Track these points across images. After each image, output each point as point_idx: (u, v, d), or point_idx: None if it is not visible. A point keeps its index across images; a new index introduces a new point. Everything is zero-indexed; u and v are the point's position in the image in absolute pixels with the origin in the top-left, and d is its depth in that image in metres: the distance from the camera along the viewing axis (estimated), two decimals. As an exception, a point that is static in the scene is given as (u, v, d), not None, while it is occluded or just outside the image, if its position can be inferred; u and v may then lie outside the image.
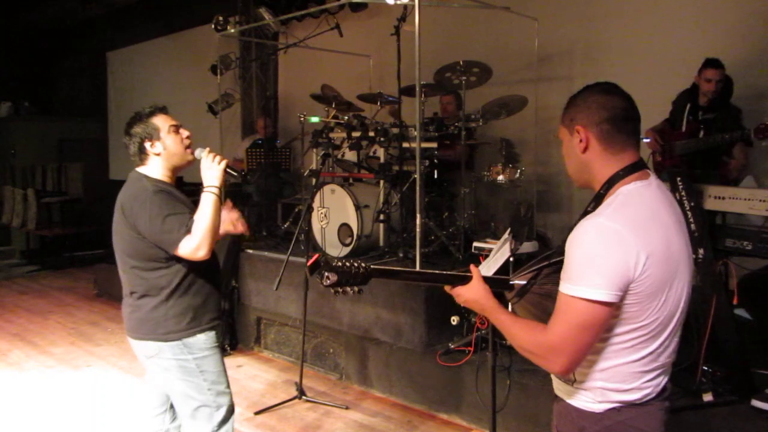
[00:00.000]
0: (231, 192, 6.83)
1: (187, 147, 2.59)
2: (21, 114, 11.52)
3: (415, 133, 4.55)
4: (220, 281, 2.81)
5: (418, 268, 4.26)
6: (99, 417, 4.13)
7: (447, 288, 1.79)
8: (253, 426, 4.00)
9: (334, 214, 5.13)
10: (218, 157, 2.52)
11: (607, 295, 1.45)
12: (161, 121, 2.55)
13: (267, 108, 8.32)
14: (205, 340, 2.58)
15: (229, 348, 5.33)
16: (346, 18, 6.90)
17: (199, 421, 2.60)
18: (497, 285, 1.82)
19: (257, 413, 4.14)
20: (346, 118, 5.37)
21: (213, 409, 2.60)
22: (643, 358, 1.54)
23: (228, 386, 2.67)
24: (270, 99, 8.48)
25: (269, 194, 6.75)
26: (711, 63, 4.33)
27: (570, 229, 1.58)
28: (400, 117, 4.98)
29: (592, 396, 1.59)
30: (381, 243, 5.16)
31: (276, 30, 7.76)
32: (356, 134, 5.19)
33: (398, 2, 4.89)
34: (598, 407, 1.59)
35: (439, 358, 4.09)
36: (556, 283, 1.59)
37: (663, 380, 1.62)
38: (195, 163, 2.61)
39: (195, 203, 2.51)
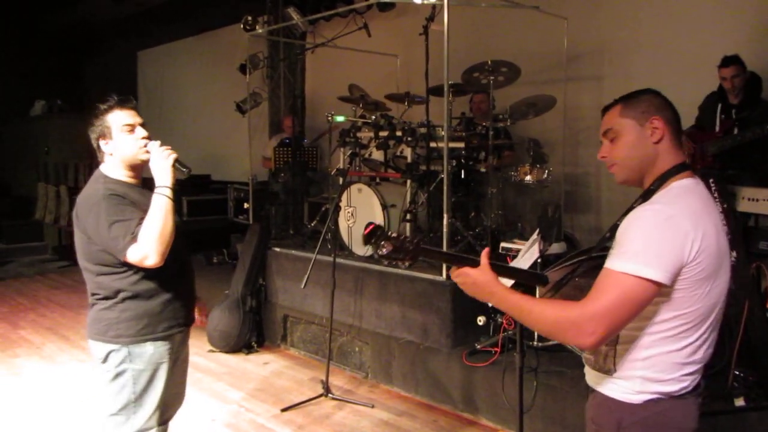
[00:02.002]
0: (259, 191, 6.91)
1: (143, 147, 2.39)
2: (54, 112, 11.74)
3: (443, 133, 4.55)
4: (191, 286, 2.65)
5: (444, 269, 4.27)
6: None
7: (453, 269, 1.76)
8: (280, 423, 4.03)
9: (360, 213, 5.15)
10: (167, 151, 2.35)
11: (660, 275, 1.47)
12: (115, 119, 2.39)
13: (294, 107, 8.38)
14: (152, 353, 2.41)
15: (255, 345, 5.39)
16: (374, 18, 6.92)
17: (108, 426, 2.45)
18: (531, 279, 1.82)
19: (284, 410, 4.18)
20: (374, 117, 5.38)
21: (122, 424, 2.43)
22: (684, 348, 1.57)
23: (154, 414, 2.45)
24: (297, 98, 8.54)
25: (296, 193, 6.80)
26: (723, 61, 4.30)
27: (612, 226, 1.61)
28: (428, 116, 4.98)
29: (631, 386, 1.61)
30: (408, 242, 5.16)
31: (304, 30, 7.80)
32: (383, 134, 5.20)
33: (426, 2, 4.90)
34: (637, 398, 1.60)
35: (466, 358, 4.09)
36: (594, 277, 1.60)
37: (699, 376, 1.64)
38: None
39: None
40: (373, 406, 4.23)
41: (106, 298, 2.39)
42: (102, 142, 2.42)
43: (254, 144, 7.35)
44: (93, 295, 2.44)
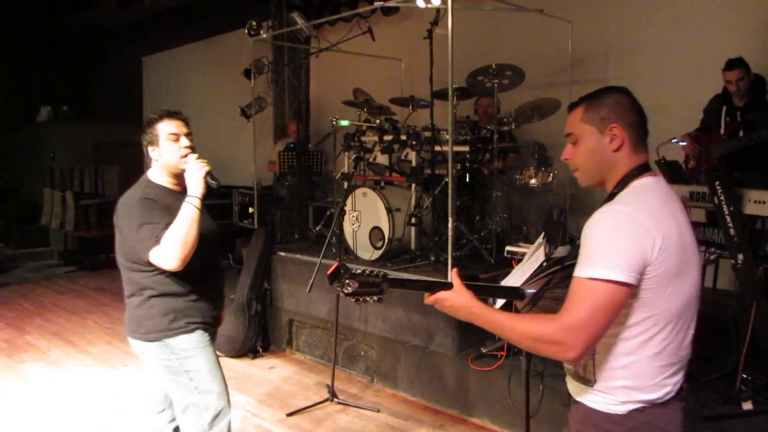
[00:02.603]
0: (264, 196, 6.92)
1: (184, 156, 2.56)
2: (60, 118, 11.80)
3: (447, 137, 4.55)
4: (218, 288, 2.77)
5: (449, 272, 4.25)
6: (135, 415, 4.20)
7: (427, 296, 1.73)
8: (286, 427, 4.03)
9: (365, 217, 5.15)
10: (201, 163, 2.52)
11: (626, 276, 1.48)
12: (163, 128, 2.56)
13: (299, 112, 8.39)
14: (188, 340, 2.57)
15: (261, 349, 5.39)
16: (379, 22, 6.93)
17: (188, 418, 2.61)
18: (507, 294, 1.81)
19: (289, 415, 4.17)
20: (378, 121, 5.39)
21: (201, 409, 2.58)
22: (661, 352, 1.56)
23: (219, 385, 2.62)
24: (302, 103, 8.55)
25: (301, 197, 6.80)
26: (727, 65, 4.30)
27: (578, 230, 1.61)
28: (433, 120, 4.98)
29: (615, 397, 1.59)
30: (413, 246, 5.16)
31: (308, 34, 7.82)
32: (388, 137, 5.21)
33: (430, 6, 4.90)
34: (622, 408, 1.59)
35: (471, 362, 4.08)
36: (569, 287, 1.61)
37: (681, 379, 1.63)
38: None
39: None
40: (378, 411, 4.22)
41: (136, 295, 2.57)
42: (150, 149, 2.60)
43: (259, 148, 7.36)
44: (127, 292, 2.61)
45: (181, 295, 2.56)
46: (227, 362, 5.23)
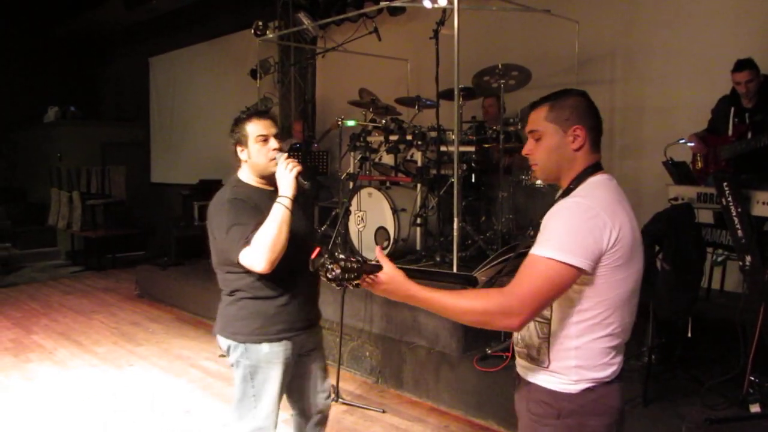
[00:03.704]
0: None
1: (272, 159, 2.51)
2: (67, 119, 11.84)
3: (453, 137, 4.54)
4: (312, 289, 2.72)
5: (455, 268, 4.25)
6: (141, 415, 4.21)
7: (364, 284, 1.70)
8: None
9: (371, 217, 5.14)
10: (291, 164, 2.46)
11: (580, 261, 1.59)
12: (252, 128, 2.53)
13: (305, 112, 8.40)
14: (267, 351, 2.53)
15: (266, 349, 5.37)
16: (385, 22, 6.93)
17: (235, 413, 2.63)
18: (459, 281, 1.87)
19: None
20: (384, 121, 5.38)
21: (247, 413, 2.59)
22: (609, 334, 1.69)
23: (272, 413, 2.59)
24: (308, 103, 8.56)
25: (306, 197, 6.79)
26: (736, 66, 4.27)
27: (535, 224, 1.74)
28: (438, 120, 4.97)
29: (568, 377, 1.71)
30: (418, 247, 5.15)
31: (314, 34, 7.83)
32: (394, 138, 5.20)
33: (437, 6, 4.89)
34: (575, 387, 1.70)
35: (477, 363, 4.07)
36: None
37: (621, 360, 1.76)
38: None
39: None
40: (383, 411, 4.21)
41: (228, 295, 2.58)
42: (239, 149, 2.57)
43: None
44: (221, 291, 2.63)
45: (271, 298, 2.52)
46: (232, 362, 5.23)
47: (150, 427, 4.04)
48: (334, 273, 1.63)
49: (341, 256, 1.67)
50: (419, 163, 5.27)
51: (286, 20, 7.91)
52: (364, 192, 5.23)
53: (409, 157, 5.44)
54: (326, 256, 1.66)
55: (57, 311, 6.99)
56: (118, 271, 9.32)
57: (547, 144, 1.77)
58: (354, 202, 5.20)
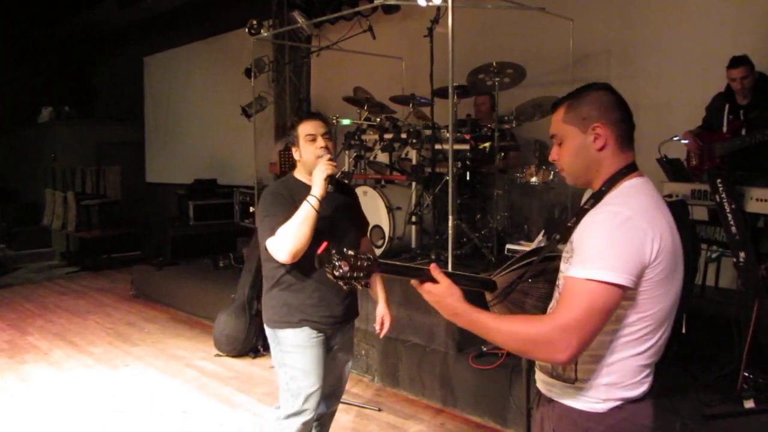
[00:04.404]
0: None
1: (319, 157, 2.64)
2: (61, 118, 11.80)
3: (448, 135, 4.53)
4: (342, 290, 2.77)
5: (450, 266, 4.24)
6: (137, 415, 4.20)
7: (414, 282, 1.66)
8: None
9: (366, 215, 5.13)
10: (325, 165, 2.58)
11: (624, 279, 1.45)
12: (302, 129, 2.70)
13: (300, 110, 8.38)
14: (293, 336, 2.70)
15: (262, 349, 5.37)
16: (379, 20, 6.92)
17: (281, 397, 2.78)
18: (478, 285, 1.78)
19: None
20: (379, 120, 5.37)
21: (287, 401, 2.74)
22: (647, 350, 1.56)
23: (310, 386, 2.71)
24: (303, 101, 8.54)
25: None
26: (731, 62, 4.27)
27: (561, 228, 1.62)
28: (433, 119, 4.96)
29: (596, 395, 1.58)
30: (413, 245, 5.15)
31: (309, 33, 7.81)
32: (388, 136, 5.19)
33: (431, 4, 4.88)
34: (603, 406, 1.58)
35: (472, 360, 4.07)
36: (546, 280, 1.60)
37: (653, 376, 1.63)
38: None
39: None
40: (379, 410, 4.21)
41: (267, 284, 2.78)
42: (293, 150, 2.76)
43: (260, 148, 7.36)
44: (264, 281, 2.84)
45: (298, 291, 2.69)
46: (228, 362, 5.23)
47: (148, 428, 4.03)
48: (341, 270, 1.56)
49: (350, 252, 1.58)
50: (414, 162, 5.26)
51: (281, 19, 7.90)
52: (359, 190, 5.22)
53: (404, 156, 5.43)
54: (333, 251, 1.58)
55: (52, 312, 6.97)
56: (113, 272, 9.29)
57: (568, 147, 1.66)
58: (349, 200, 5.18)
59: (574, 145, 1.65)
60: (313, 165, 2.63)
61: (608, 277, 1.44)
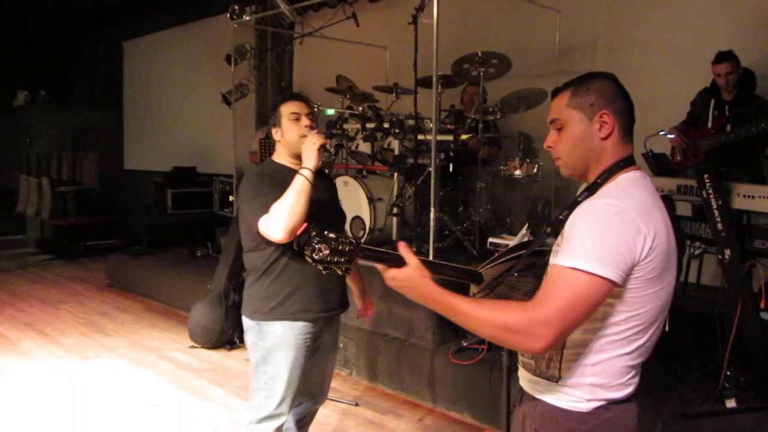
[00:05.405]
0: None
1: (303, 136, 2.52)
2: (37, 103, 11.54)
3: (431, 125, 4.46)
4: (335, 278, 2.63)
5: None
6: (106, 408, 4.08)
7: (380, 267, 1.56)
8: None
9: (346, 206, 4.98)
10: (316, 137, 2.47)
11: (610, 273, 1.39)
12: (286, 108, 2.58)
13: (283, 94, 8.25)
14: (280, 333, 2.51)
15: (238, 341, 5.26)
16: (363, 8, 6.81)
17: (251, 402, 2.62)
18: (464, 276, 1.70)
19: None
20: (361, 109, 5.28)
21: (261, 401, 2.57)
22: (633, 351, 1.51)
23: (291, 388, 2.55)
24: (285, 89, 8.41)
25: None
26: (717, 58, 4.27)
27: (552, 221, 1.56)
28: (416, 109, 4.88)
29: (581, 394, 1.52)
30: (394, 237, 5.08)
31: (292, 20, 7.67)
32: (371, 126, 5.11)
33: (416, -9, 4.79)
34: (587, 406, 1.52)
35: (452, 355, 4.01)
36: (535, 275, 1.55)
37: (639, 378, 1.59)
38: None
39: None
40: (357, 404, 4.14)
41: (250, 274, 2.61)
42: (274, 131, 2.61)
43: (240, 136, 7.22)
44: (246, 275, 2.67)
45: (290, 278, 2.52)
46: (203, 353, 5.12)
47: (116, 422, 3.91)
48: (321, 254, 1.46)
49: (331, 235, 1.49)
50: (396, 152, 5.18)
51: (263, 4, 7.74)
52: (339, 180, 5.12)
53: (386, 146, 5.35)
54: (314, 233, 1.48)
55: (23, 301, 6.80)
56: (88, 260, 9.11)
57: (570, 133, 1.58)
58: (330, 191, 5.09)
59: (577, 131, 1.58)
60: (297, 145, 2.52)
61: (594, 269, 1.38)
